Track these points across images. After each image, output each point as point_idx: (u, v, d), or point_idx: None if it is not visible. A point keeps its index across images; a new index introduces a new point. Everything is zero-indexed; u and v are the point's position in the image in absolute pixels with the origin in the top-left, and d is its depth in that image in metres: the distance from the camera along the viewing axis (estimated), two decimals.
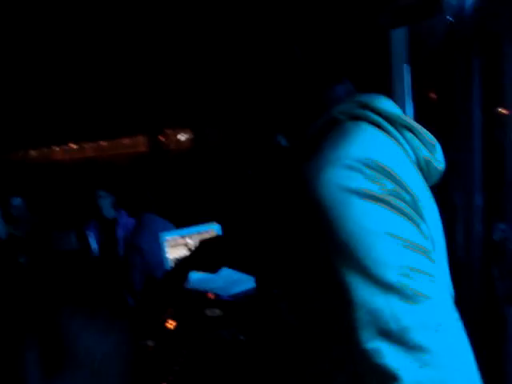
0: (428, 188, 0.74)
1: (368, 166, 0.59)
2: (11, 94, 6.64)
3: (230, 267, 1.33)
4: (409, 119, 0.73)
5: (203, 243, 1.34)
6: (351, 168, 0.58)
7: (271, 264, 0.81)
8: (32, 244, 2.83)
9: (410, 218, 0.58)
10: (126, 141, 11.78)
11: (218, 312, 1.69)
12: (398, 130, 0.71)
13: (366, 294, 0.53)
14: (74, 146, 13.27)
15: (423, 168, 0.74)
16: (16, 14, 4.05)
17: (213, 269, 1.33)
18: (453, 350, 0.51)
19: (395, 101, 2.27)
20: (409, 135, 0.72)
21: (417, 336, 0.51)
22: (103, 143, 12.78)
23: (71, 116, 8.23)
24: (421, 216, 0.61)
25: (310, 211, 0.59)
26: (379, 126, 0.69)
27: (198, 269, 1.37)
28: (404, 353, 0.50)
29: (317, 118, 0.73)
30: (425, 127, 0.76)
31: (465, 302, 2.14)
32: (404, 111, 2.30)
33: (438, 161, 0.76)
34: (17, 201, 2.94)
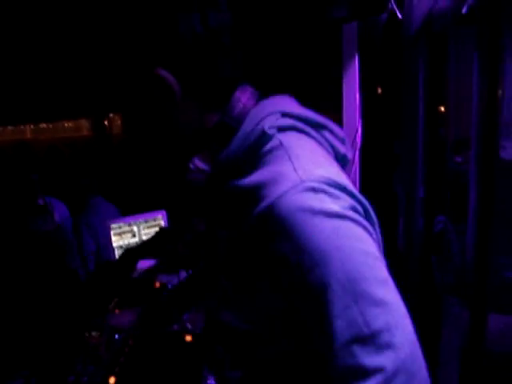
0: None
1: (329, 185, 0.63)
2: None
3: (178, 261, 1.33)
4: (321, 117, 0.76)
5: (156, 234, 1.34)
6: (315, 190, 0.62)
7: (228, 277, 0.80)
8: None
9: (366, 230, 0.63)
10: (69, 124, 11.32)
11: None
12: (317, 131, 0.74)
13: (341, 305, 0.58)
14: (11, 128, 12.56)
15: (340, 162, 0.77)
16: None
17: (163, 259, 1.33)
18: (409, 340, 0.60)
19: (345, 92, 2.32)
20: (326, 134, 0.75)
21: (385, 336, 0.58)
22: (43, 125, 12.20)
23: (9, 96, 7.78)
24: (370, 221, 0.67)
25: (280, 234, 0.61)
26: (304, 132, 0.72)
27: (149, 257, 1.35)
28: (376, 351, 0.57)
29: (230, 132, 0.73)
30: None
31: (404, 291, 2.23)
32: (354, 105, 2.35)
33: (348, 152, 0.80)
34: None
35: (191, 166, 0.77)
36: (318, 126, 0.75)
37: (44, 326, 1.88)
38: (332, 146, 0.76)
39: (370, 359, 0.58)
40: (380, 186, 2.70)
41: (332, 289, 0.59)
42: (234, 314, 0.79)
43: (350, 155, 0.80)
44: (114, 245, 2.13)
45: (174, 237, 1.35)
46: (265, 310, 0.71)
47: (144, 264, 1.70)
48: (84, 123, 10.98)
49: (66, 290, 2.47)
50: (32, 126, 12.66)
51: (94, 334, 1.49)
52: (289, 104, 0.76)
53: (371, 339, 0.58)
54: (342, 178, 0.66)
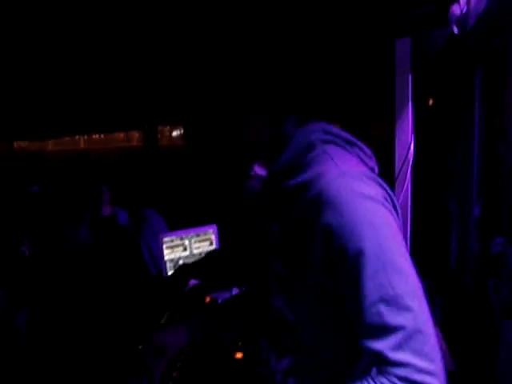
0: None
1: (366, 176, 0.80)
2: (4, 86, 6.57)
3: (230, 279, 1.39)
4: (352, 137, 0.92)
5: (209, 254, 1.41)
6: (355, 178, 0.78)
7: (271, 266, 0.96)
8: (38, 235, 2.80)
9: (392, 215, 0.79)
10: (120, 135, 11.69)
11: None
12: (350, 147, 0.90)
13: (372, 269, 0.72)
14: (67, 138, 13.10)
15: None
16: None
17: (215, 281, 1.39)
18: (424, 308, 0.73)
19: (397, 109, 2.27)
20: (356, 150, 0.91)
21: (406, 300, 0.71)
22: (96, 136, 12.64)
23: (65, 109, 8.15)
24: (396, 211, 0.82)
25: (327, 212, 0.77)
26: (340, 146, 0.89)
27: (201, 278, 1.40)
28: (398, 311, 0.71)
29: (283, 145, 0.91)
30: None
31: (458, 313, 2.14)
32: (406, 119, 2.31)
33: (377, 168, 0.95)
34: (35, 188, 2.88)
35: (252, 172, 0.95)
36: (350, 143, 0.91)
37: (98, 337, 1.93)
38: (361, 160, 0.90)
39: (393, 318, 0.70)
40: (432, 202, 2.63)
41: (365, 255, 0.73)
42: (285, 298, 0.93)
43: (376, 170, 0.94)
44: (166, 258, 2.18)
45: (226, 258, 1.40)
46: (312, 290, 0.85)
47: (195, 281, 1.73)
48: (134, 134, 11.29)
49: (123, 301, 2.53)
50: (85, 137, 13.15)
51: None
52: (328, 125, 0.93)
53: (395, 301, 0.71)
54: (375, 176, 0.83)
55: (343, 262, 0.76)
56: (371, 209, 0.76)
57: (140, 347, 1.51)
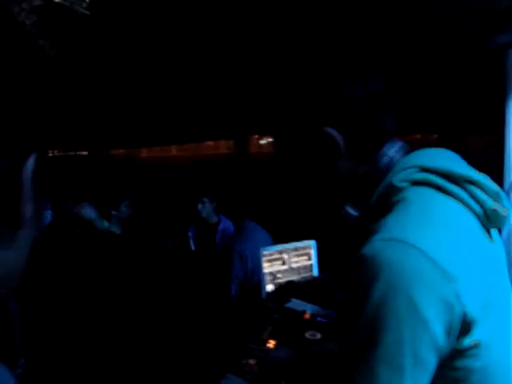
0: (493, 239, 0.79)
1: (404, 242, 0.67)
2: (108, 102, 7.11)
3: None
4: (470, 172, 0.76)
5: (318, 281, 1.45)
6: (387, 244, 0.68)
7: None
8: (130, 244, 2.96)
9: (427, 329, 0.65)
10: (209, 143, 12.10)
11: (318, 336, 1.68)
12: (460, 186, 0.75)
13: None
14: (159, 146, 13.81)
15: (490, 217, 0.76)
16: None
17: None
18: None
19: (508, 118, 2.11)
20: (472, 188, 0.75)
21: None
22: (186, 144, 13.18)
23: (158, 120, 8.62)
24: (464, 299, 0.66)
25: (356, 270, 0.71)
26: (437, 187, 0.75)
27: (304, 298, 1.44)
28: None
29: (377, 183, 0.81)
30: None
31: None
32: None
33: (503, 208, 0.76)
34: (126, 202, 3.05)
35: (343, 212, 0.88)
36: (462, 181, 0.75)
37: (201, 349, 2.01)
38: (478, 201, 0.75)
39: None
40: None
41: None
42: None
43: (507, 211, 0.76)
44: (265, 271, 2.22)
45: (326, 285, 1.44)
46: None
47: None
48: (222, 142, 11.64)
49: (219, 314, 2.62)
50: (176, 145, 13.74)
51: (251, 361, 1.55)
52: (435, 158, 0.79)
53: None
54: (442, 246, 0.67)
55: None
56: (381, 293, 0.65)
57: (243, 361, 1.55)
